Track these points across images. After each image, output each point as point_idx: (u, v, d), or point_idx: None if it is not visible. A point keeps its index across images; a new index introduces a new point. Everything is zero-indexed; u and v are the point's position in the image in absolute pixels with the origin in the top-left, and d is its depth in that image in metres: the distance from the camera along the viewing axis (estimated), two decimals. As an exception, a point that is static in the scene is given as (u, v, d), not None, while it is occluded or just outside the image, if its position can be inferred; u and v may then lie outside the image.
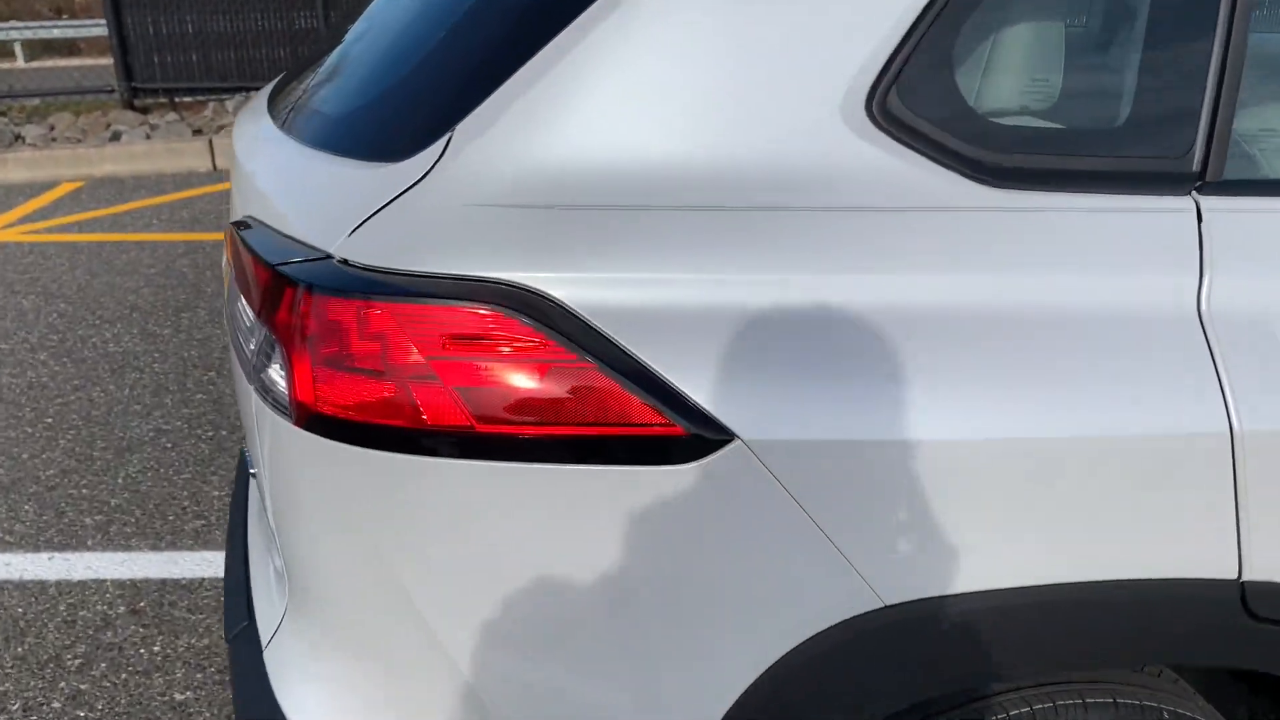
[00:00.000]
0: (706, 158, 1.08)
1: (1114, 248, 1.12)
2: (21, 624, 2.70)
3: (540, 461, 1.06)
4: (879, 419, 1.06)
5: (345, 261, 1.12)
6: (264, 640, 1.32)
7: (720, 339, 1.06)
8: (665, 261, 1.06)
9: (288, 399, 1.13)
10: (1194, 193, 1.15)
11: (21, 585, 2.86)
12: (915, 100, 1.11)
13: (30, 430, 3.74)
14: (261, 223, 1.31)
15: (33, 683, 2.48)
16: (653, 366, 1.05)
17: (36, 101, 9.75)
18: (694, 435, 1.05)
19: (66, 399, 4.00)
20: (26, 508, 3.23)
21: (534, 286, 1.06)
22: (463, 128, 1.13)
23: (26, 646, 2.61)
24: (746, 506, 1.07)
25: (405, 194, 1.12)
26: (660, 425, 1.05)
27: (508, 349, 1.06)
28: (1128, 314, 1.10)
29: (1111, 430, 1.08)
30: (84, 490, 3.32)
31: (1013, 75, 1.26)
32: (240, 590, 1.45)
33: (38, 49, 16.23)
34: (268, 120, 1.56)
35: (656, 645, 1.11)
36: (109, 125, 8.50)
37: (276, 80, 1.93)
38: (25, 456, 3.55)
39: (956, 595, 1.10)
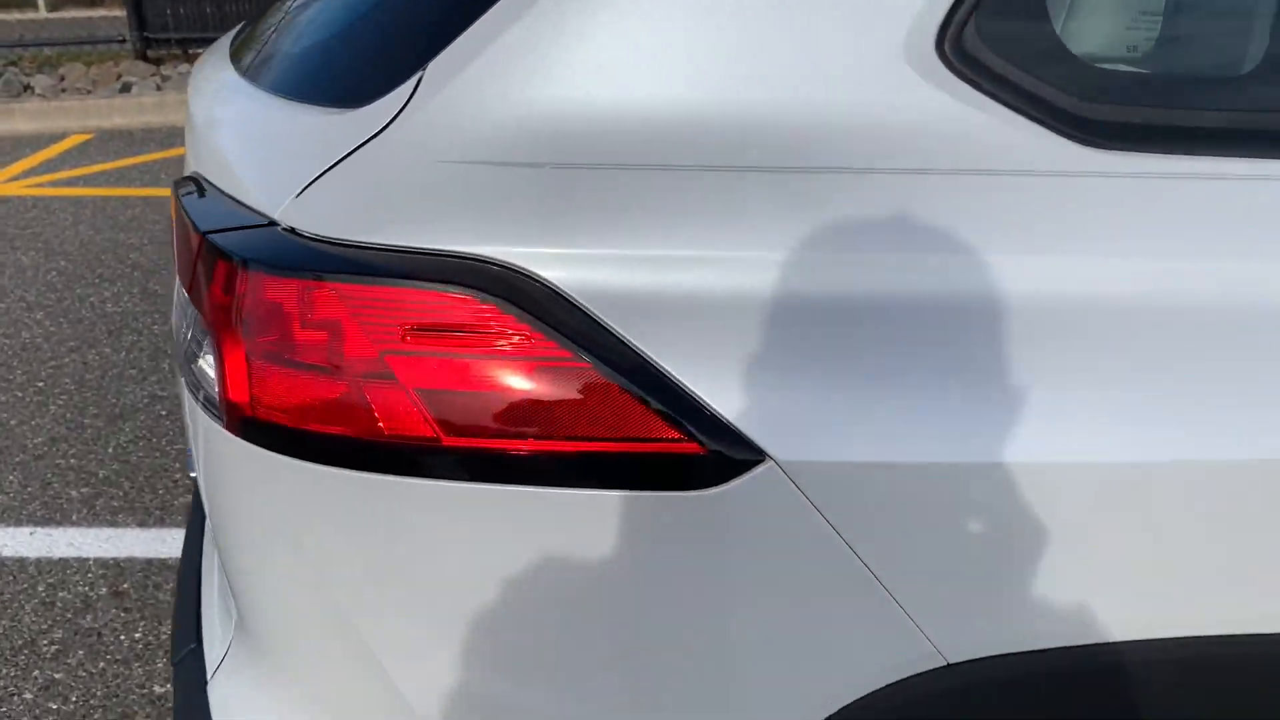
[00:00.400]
0: (740, 109, 0.86)
1: (1237, 226, 0.89)
2: (-3, 605, 2.54)
3: (521, 483, 0.86)
4: (954, 436, 0.85)
5: (293, 231, 0.91)
6: (209, 670, 1.13)
7: (751, 334, 0.84)
8: (686, 236, 0.85)
9: (218, 397, 0.92)
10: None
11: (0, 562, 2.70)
12: (997, 38, 0.88)
13: (20, 395, 3.58)
14: (209, 182, 1.10)
15: (5, 670, 2.32)
16: (665, 368, 0.84)
17: (51, 51, 9.55)
18: (715, 454, 0.84)
19: (60, 361, 3.83)
20: (11, 478, 3.07)
21: (519, 265, 0.85)
22: (438, 64, 0.91)
23: (1, 630, 2.45)
24: (779, 542, 0.86)
25: (365, 146, 0.91)
26: (673, 441, 0.85)
27: (483, 343, 0.85)
28: (1256, 309, 0.88)
29: (1247, 452, 0.87)
30: (72, 460, 3.16)
31: (1115, 9, 1.03)
32: (190, 606, 1.26)
33: (58, -1, 16.01)
34: (227, 66, 1.35)
35: (667, 711, 0.91)
36: (119, 76, 8.29)
37: (244, 23, 1.70)
38: (14, 423, 3.38)
39: (1044, 652, 0.89)
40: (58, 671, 2.32)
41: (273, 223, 0.92)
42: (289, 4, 1.40)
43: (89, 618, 2.48)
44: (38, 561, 2.70)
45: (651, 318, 0.84)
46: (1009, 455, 0.84)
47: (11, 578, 2.64)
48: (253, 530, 0.95)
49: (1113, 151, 0.88)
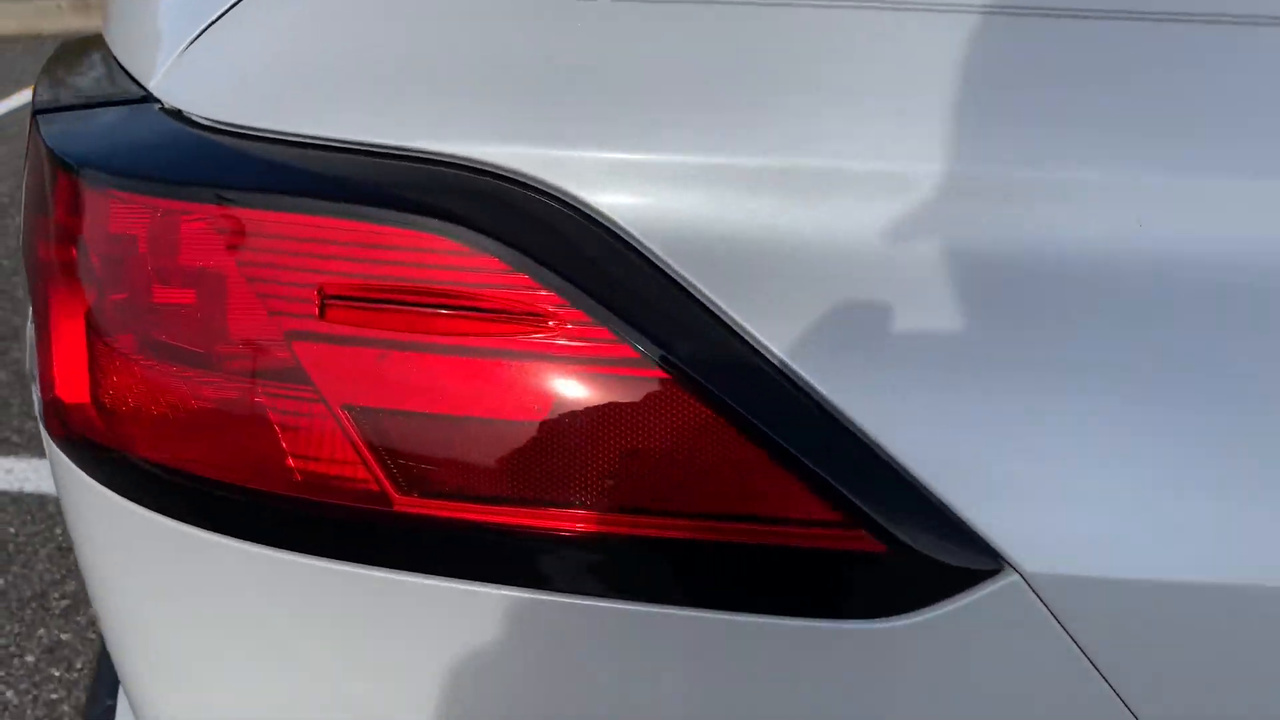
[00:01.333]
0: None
1: None
2: (10, 548, 2.28)
3: (539, 588, 0.47)
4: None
5: (177, 114, 0.52)
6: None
7: (985, 327, 0.44)
8: (879, 136, 0.44)
9: (40, 394, 0.55)
10: None
11: (19, 499, 2.45)
12: None
13: (63, 308, 3.33)
14: (100, 38, 0.71)
15: (10, 626, 2.07)
16: (815, 385, 0.44)
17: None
18: (912, 556, 0.44)
19: (109, 274, 3.57)
20: (42, 402, 2.81)
21: (544, 180, 0.46)
22: None
23: (10, 579, 2.20)
24: (1019, 708, 0.47)
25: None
26: (832, 529, 0.45)
27: (472, 326, 0.45)
28: None
29: None
30: (108, 384, 2.88)
31: None
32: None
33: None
34: None
35: None
36: (200, -27, 7.98)
37: None
38: (52, 339, 3.13)
39: None
40: (65, 631, 2.05)
41: (148, 97, 0.54)
42: None
43: (106, 568, 2.21)
44: (59, 500, 2.44)
45: (793, 290, 0.44)
46: None
47: (30, 517, 2.38)
48: (111, 603, 0.58)
49: None
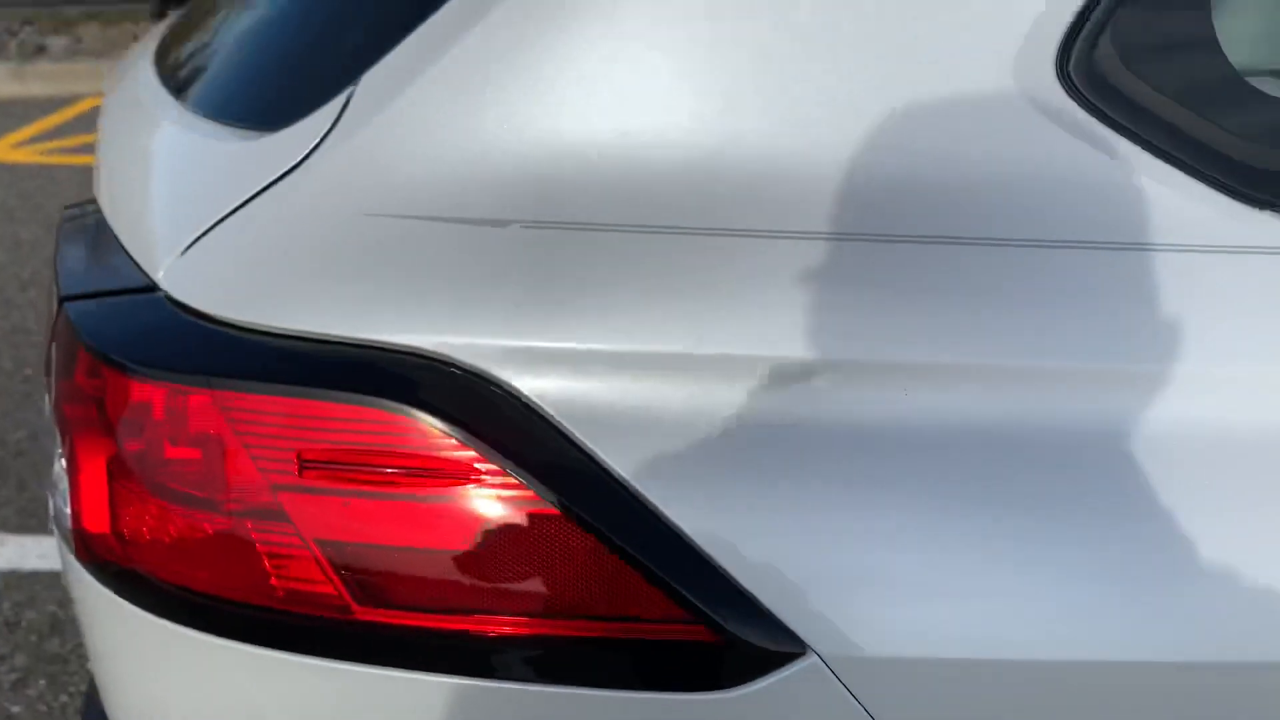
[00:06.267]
0: (790, 149, 0.62)
1: None
2: (-42, 624, 2.35)
3: (463, 674, 0.62)
4: (1088, 625, 0.61)
5: (176, 302, 0.67)
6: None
7: (789, 472, 0.60)
8: (710, 328, 0.61)
9: (69, 522, 0.70)
10: None
11: (-33, 575, 2.51)
12: (1143, 58, 0.63)
13: (6, 383, 3.38)
14: (102, 218, 0.86)
15: (-40, 701, 2.13)
16: (671, 518, 0.60)
17: (73, 11, 9.33)
18: (737, 643, 0.60)
19: (50, 347, 3.63)
20: (-13, 477, 2.88)
21: (470, 364, 0.61)
22: (375, 77, 0.67)
23: (-42, 654, 2.26)
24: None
25: (271, 188, 0.67)
26: (675, 623, 0.61)
27: (412, 482, 0.61)
28: None
29: None
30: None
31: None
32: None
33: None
34: (149, 71, 1.07)
35: None
36: (136, 38, 8.07)
37: (175, 17, 1.40)
38: (-5, 414, 3.19)
39: None
40: (16, 704, 2.12)
41: (153, 286, 0.69)
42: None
43: (55, 642, 2.29)
44: (5, 576, 2.51)
45: (652, 444, 0.60)
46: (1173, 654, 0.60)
47: (-23, 593, 2.45)
48: (115, 689, 0.72)
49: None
